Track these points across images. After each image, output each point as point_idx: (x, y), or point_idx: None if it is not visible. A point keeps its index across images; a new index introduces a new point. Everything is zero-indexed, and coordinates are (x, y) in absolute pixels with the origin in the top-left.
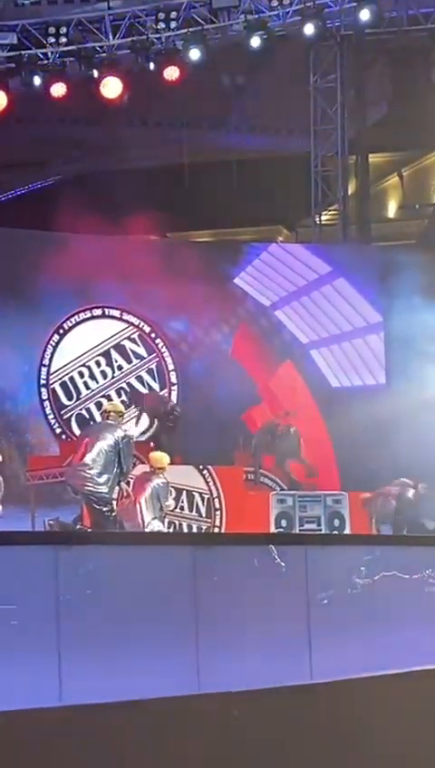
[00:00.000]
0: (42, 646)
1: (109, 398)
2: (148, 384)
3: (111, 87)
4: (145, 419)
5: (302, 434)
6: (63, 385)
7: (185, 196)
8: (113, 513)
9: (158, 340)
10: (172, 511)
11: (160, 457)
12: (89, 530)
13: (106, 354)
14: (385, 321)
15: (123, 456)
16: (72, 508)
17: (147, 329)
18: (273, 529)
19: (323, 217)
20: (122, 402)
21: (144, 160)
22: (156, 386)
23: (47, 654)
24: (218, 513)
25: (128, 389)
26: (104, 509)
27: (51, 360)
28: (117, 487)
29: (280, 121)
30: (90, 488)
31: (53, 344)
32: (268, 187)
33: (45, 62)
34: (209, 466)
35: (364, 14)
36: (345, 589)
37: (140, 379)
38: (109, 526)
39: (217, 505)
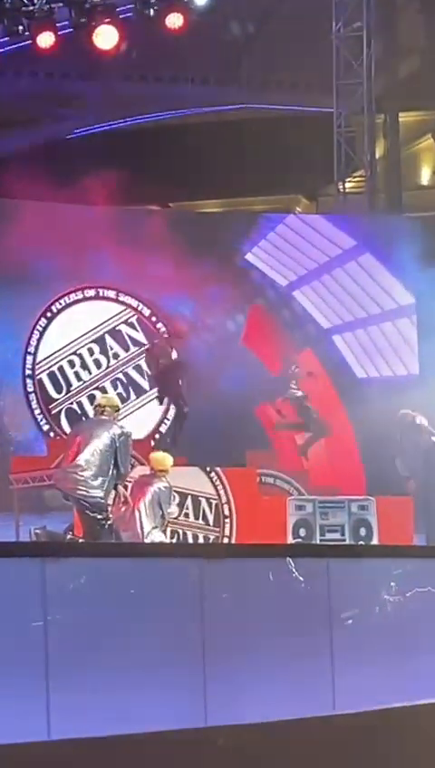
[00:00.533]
0: (26, 672)
1: (103, 391)
2: (147, 374)
3: (106, 37)
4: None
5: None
6: (51, 376)
7: (190, 160)
8: (109, 521)
9: (159, 325)
10: (176, 519)
11: (162, 458)
12: (80, 540)
13: (100, 341)
14: (418, 302)
15: (120, 455)
16: (63, 516)
17: (146, 312)
18: (290, 539)
19: (348, 185)
20: (118, 395)
21: (143, 120)
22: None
23: (33, 681)
24: (228, 520)
25: (125, 380)
26: (99, 516)
27: (37, 347)
28: (113, 491)
29: (298, 76)
30: (82, 492)
31: (40, 329)
32: (285, 151)
33: (31, 7)
34: (218, 468)
35: None
36: (373, 607)
37: (138, 368)
38: (104, 536)
39: (227, 512)
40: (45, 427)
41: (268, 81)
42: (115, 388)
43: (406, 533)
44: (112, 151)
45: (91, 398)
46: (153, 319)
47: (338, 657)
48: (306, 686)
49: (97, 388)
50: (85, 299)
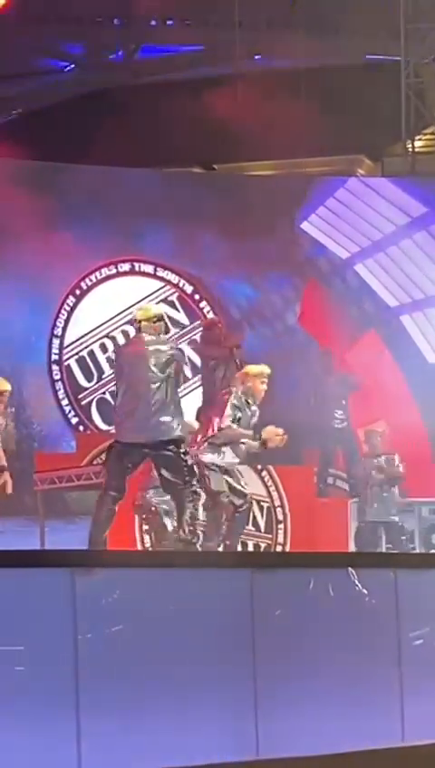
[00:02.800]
0: (54, 697)
1: None
2: (190, 360)
3: None
4: None
5: (388, 422)
6: (81, 361)
7: (237, 116)
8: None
9: (203, 304)
10: None
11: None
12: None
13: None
14: None
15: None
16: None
17: (189, 289)
18: (352, 547)
19: (417, 143)
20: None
21: (185, 71)
22: (199, 362)
23: (62, 708)
24: (281, 526)
25: None
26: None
27: (64, 329)
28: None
29: (359, 19)
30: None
31: (68, 309)
32: (345, 105)
33: None
34: (270, 466)
35: None
36: None
37: (180, 352)
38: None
39: (281, 517)
40: (74, 420)
41: (326, 26)
42: None
43: None
44: (148, 108)
45: None
46: (196, 297)
47: (408, 682)
48: (371, 714)
49: None
50: (119, 274)
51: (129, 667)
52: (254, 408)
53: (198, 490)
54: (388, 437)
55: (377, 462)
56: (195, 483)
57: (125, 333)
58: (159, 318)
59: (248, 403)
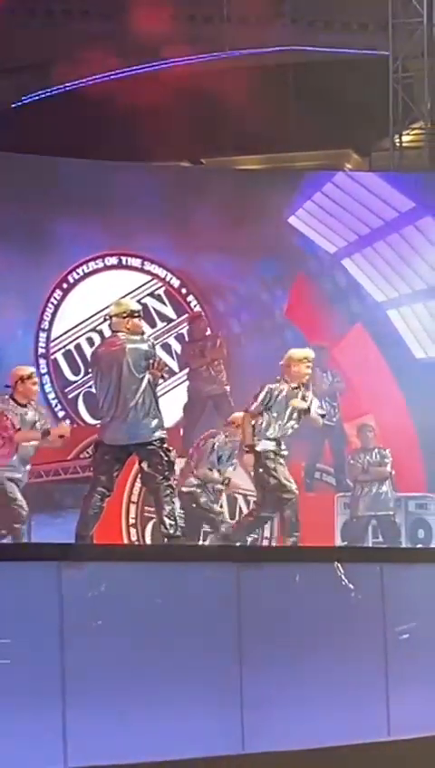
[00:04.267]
0: (40, 691)
1: None
2: (176, 353)
3: None
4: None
5: (375, 417)
6: (68, 355)
7: (225, 110)
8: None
9: (190, 298)
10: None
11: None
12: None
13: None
14: None
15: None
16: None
17: (176, 282)
18: (339, 541)
19: (405, 138)
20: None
21: (172, 64)
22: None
23: (48, 702)
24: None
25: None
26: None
27: (51, 322)
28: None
29: (349, 14)
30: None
31: (55, 302)
32: (333, 99)
33: None
34: None
35: None
36: (433, 619)
37: (166, 347)
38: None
39: None
40: (61, 414)
41: (316, 21)
42: None
43: None
44: (134, 101)
45: None
46: (183, 291)
47: (393, 677)
48: (357, 709)
49: None
50: (106, 268)
51: (114, 662)
52: (307, 392)
53: (172, 483)
54: (375, 431)
55: (369, 456)
56: (172, 477)
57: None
58: (130, 314)
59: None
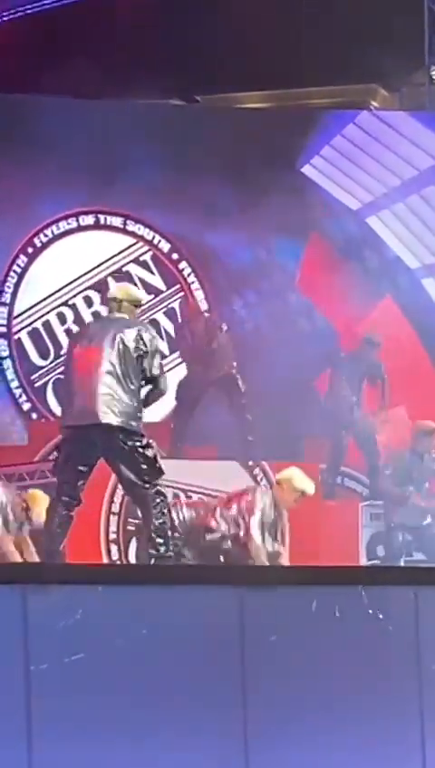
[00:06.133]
0: (2, 735)
1: None
2: (165, 331)
3: None
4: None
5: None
6: (34, 334)
7: (226, 36)
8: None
9: (182, 265)
10: None
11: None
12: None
13: (101, 286)
14: None
15: (151, 367)
16: None
17: (165, 246)
18: (364, 560)
19: None
20: None
21: None
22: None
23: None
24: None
25: None
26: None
27: (14, 295)
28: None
29: None
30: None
31: (18, 271)
32: (356, 26)
33: None
34: (264, 462)
35: None
36: None
37: (154, 323)
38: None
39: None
40: (26, 406)
41: None
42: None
43: None
44: (114, 25)
45: None
46: (174, 257)
47: (429, 717)
48: (386, 754)
49: None
50: (80, 228)
51: (90, 703)
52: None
53: (163, 491)
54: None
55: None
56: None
57: (87, 300)
58: (139, 304)
59: None
